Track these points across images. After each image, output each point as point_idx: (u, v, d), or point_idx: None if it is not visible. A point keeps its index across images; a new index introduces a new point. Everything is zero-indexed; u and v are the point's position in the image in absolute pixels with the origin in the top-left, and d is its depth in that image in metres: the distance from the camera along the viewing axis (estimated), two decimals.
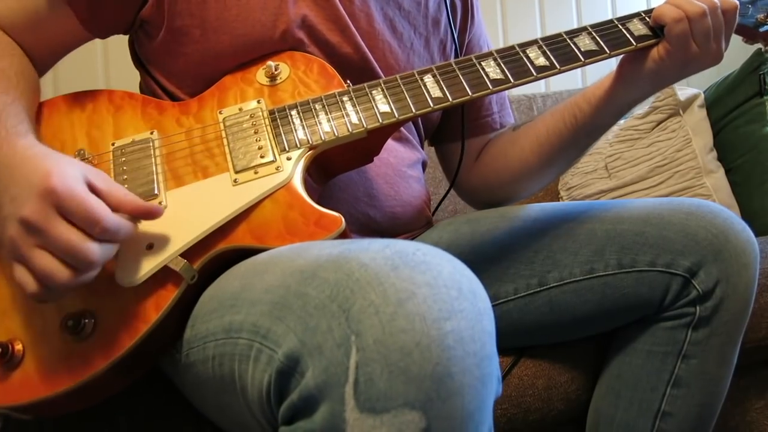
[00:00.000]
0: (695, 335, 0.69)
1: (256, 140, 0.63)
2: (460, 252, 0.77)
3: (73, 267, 0.50)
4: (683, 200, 0.72)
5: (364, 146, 0.66)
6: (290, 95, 0.67)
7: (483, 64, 0.66)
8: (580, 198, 1.47)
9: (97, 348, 0.55)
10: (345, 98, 0.65)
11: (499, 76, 0.66)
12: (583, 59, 0.66)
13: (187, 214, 0.59)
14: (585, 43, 0.67)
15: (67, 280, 0.50)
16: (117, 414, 0.67)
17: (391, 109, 0.64)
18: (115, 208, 0.53)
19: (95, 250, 0.50)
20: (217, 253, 0.58)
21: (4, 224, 0.52)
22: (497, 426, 0.74)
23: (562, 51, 0.67)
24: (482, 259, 0.77)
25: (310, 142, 0.62)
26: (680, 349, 0.69)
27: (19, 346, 0.56)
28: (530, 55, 0.67)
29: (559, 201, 1.53)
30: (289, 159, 0.61)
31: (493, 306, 0.74)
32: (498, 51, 0.68)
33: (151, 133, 0.65)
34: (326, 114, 0.64)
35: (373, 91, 0.65)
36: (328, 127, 0.63)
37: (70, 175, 0.51)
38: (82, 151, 0.64)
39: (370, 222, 0.75)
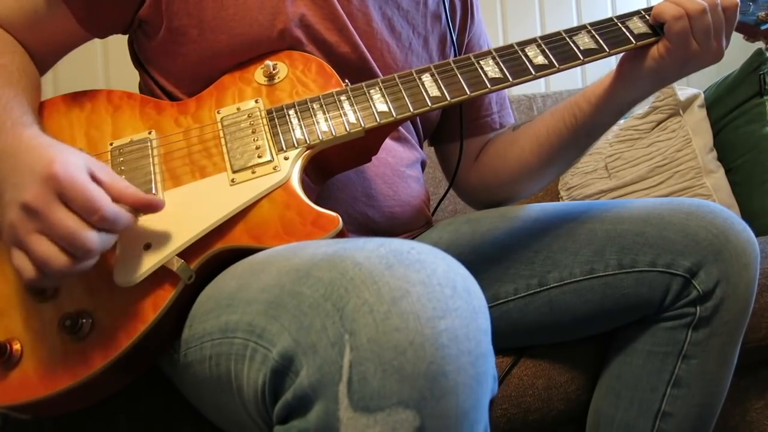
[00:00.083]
0: (695, 335, 0.69)
1: (254, 140, 0.63)
2: (460, 252, 0.76)
3: (71, 254, 0.50)
4: (683, 200, 0.72)
5: (362, 146, 0.66)
6: (288, 95, 0.67)
7: (482, 63, 0.66)
8: (580, 198, 1.47)
9: (95, 347, 0.55)
10: (343, 98, 0.65)
11: (498, 75, 0.65)
12: (582, 58, 0.66)
13: (185, 214, 0.58)
14: (584, 41, 0.67)
15: (65, 266, 0.50)
16: (116, 414, 0.67)
17: (389, 109, 0.64)
18: (116, 199, 0.53)
19: (93, 238, 0.50)
20: (215, 253, 0.58)
21: (4, 210, 0.52)
22: (497, 426, 0.74)
23: (561, 50, 0.67)
24: (482, 259, 0.76)
25: (308, 141, 0.62)
26: (680, 349, 0.69)
27: (17, 346, 0.56)
28: (529, 53, 0.67)
29: (559, 201, 1.53)
30: (286, 159, 0.61)
31: (493, 306, 0.74)
32: (497, 50, 0.67)
33: (149, 133, 0.65)
34: (324, 113, 0.64)
35: (371, 91, 0.65)
36: (325, 126, 0.63)
37: (73, 163, 0.52)
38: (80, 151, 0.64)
39: (369, 222, 0.75)
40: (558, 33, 0.68)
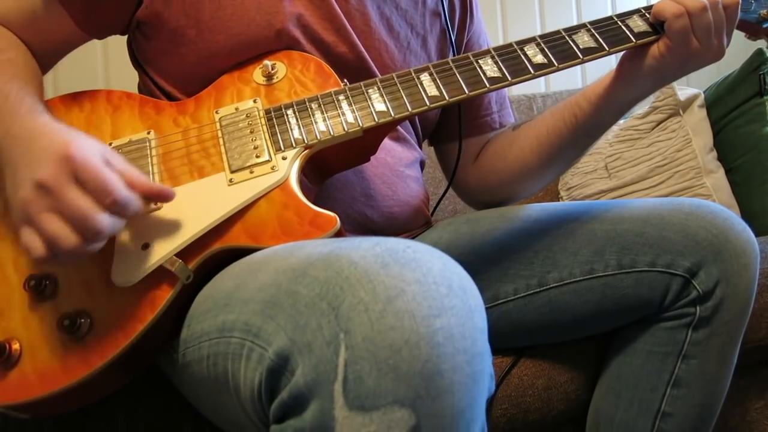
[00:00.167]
0: (695, 335, 0.69)
1: (252, 140, 0.63)
2: (460, 252, 0.76)
3: (81, 234, 0.51)
4: (683, 200, 0.72)
5: (360, 146, 0.66)
6: (287, 94, 0.67)
7: (480, 62, 0.66)
8: (580, 198, 1.47)
9: (94, 347, 0.55)
10: (341, 97, 0.65)
11: (497, 74, 0.65)
12: (581, 57, 0.66)
13: (183, 214, 0.58)
14: (584, 40, 0.67)
15: (74, 246, 0.51)
16: (116, 413, 0.67)
17: (388, 108, 0.64)
18: (128, 186, 0.53)
19: (105, 220, 0.51)
20: (213, 253, 0.58)
21: (16, 188, 0.53)
22: (497, 426, 0.74)
23: (560, 48, 0.67)
24: (482, 259, 0.76)
25: (306, 141, 0.62)
26: (680, 349, 0.69)
27: (16, 346, 0.56)
28: (528, 52, 0.66)
29: (559, 201, 1.53)
30: (284, 158, 0.61)
31: (492, 306, 0.74)
32: (496, 49, 0.67)
33: (148, 133, 0.65)
34: (322, 113, 0.64)
35: (369, 90, 0.65)
36: (323, 126, 0.63)
37: (89, 147, 0.53)
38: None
39: (368, 222, 0.74)
40: (557, 32, 0.68)
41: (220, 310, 0.51)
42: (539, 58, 0.66)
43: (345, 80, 0.68)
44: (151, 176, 0.61)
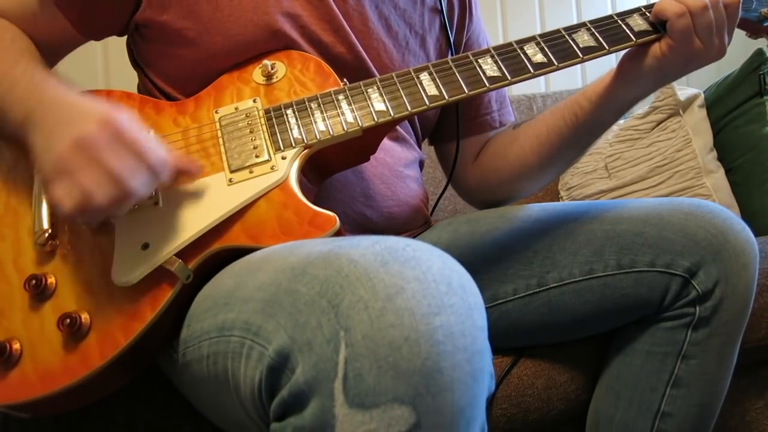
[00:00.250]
0: (695, 335, 0.69)
1: (252, 139, 0.63)
2: (460, 252, 0.76)
3: (114, 191, 0.52)
4: (682, 200, 0.72)
5: (360, 145, 0.66)
6: (286, 94, 0.67)
7: (480, 61, 0.66)
8: (580, 198, 1.47)
9: (94, 347, 0.55)
10: (341, 97, 0.65)
11: (496, 73, 0.65)
12: (581, 56, 0.66)
13: (183, 213, 0.59)
14: (584, 39, 0.67)
15: (106, 202, 0.52)
16: (116, 413, 0.67)
17: (387, 108, 0.64)
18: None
19: (139, 180, 0.54)
20: (212, 253, 0.58)
21: (53, 143, 0.54)
22: (497, 426, 0.74)
23: (560, 47, 0.66)
24: (481, 259, 0.76)
25: (305, 141, 0.62)
26: (680, 349, 0.69)
27: (16, 345, 0.56)
28: (528, 51, 0.66)
29: (559, 201, 1.53)
30: (284, 158, 0.61)
31: (492, 306, 0.74)
32: (495, 48, 0.67)
33: (148, 133, 0.65)
34: (322, 113, 0.64)
35: (369, 90, 0.65)
36: (323, 126, 0.63)
37: (127, 116, 0.56)
38: None
39: (367, 222, 0.74)
40: (557, 31, 0.68)
41: (219, 309, 0.51)
42: (539, 58, 0.66)
43: (344, 80, 0.68)
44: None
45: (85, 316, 0.56)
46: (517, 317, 0.74)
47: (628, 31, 0.67)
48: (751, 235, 0.70)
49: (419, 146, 0.87)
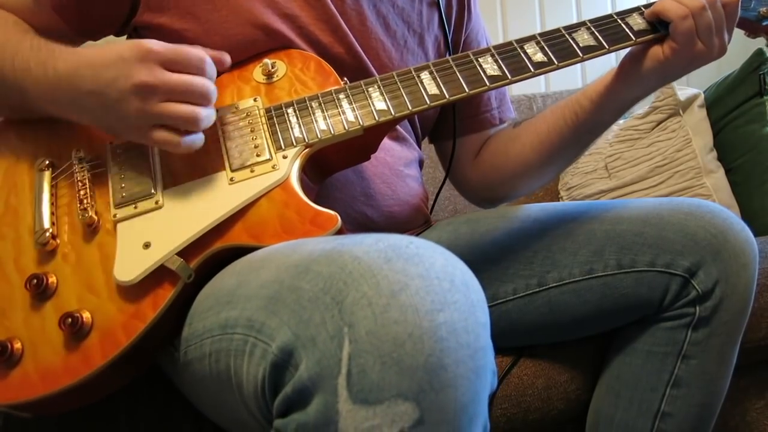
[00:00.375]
0: (695, 335, 0.69)
1: (253, 138, 0.63)
2: (460, 252, 0.75)
3: (201, 102, 0.57)
4: (682, 200, 0.72)
5: (360, 144, 0.66)
6: (287, 93, 0.67)
7: (480, 60, 0.66)
8: (580, 198, 1.47)
9: (95, 346, 0.55)
10: (341, 96, 0.65)
11: (497, 72, 0.65)
12: (581, 55, 0.66)
13: (184, 213, 0.59)
14: (584, 38, 0.67)
15: (203, 115, 0.57)
16: (117, 413, 0.67)
17: (388, 107, 0.64)
18: None
19: (205, 81, 0.58)
20: (214, 252, 0.58)
21: (120, 106, 0.56)
22: (497, 425, 0.74)
23: (560, 47, 0.66)
24: (481, 259, 0.76)
25: (306, 140, 0.62)
26: (680, 349, 0.69)
27: (17, 345, 0.56)
28: (528, 51, 0.66)
29: (559, 201, 1.53)
30: (285, 157, 0.61)
31: (492, 306, 0.74)
32: (495, 47, 0.67)
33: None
34: (322, 112, 0.64)
35: (370, 89, 0.65)
36: (324, 125, 0.63)
37: (153, 39, 0.57)
38: (79, 151, 0.64)
39: (368, 221, 0.74)
40: (557, 30, 0.68)
41: (222, 308, 0.51)
42: (539, 57, 0.66)
43: (345, 79, 0.68)
44: (152, 174, 0.61)
45: (86, 316, 0.56)
46: (517, 317, 0.74)
47: (627, 31, 0.67)
48: (751, 235, 0.70)
49: (419, 145, 0.87)
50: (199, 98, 0.57)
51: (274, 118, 0.64)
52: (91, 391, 0.58)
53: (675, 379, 0.70)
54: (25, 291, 0.58)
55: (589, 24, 0.68)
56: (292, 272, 0.45)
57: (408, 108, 0.64)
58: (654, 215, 0.70)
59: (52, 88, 0.59)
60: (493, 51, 0.67)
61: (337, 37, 0.73)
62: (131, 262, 0.56)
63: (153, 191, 0.60)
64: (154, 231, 0.58)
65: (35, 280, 0.57)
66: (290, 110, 0.64)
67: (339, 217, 0.57)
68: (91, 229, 0.60)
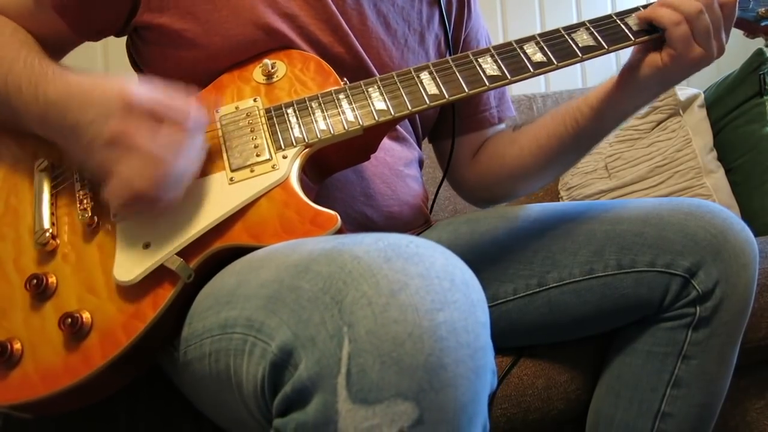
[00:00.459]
0: (695, 336, 0.69)
1: (253, 138, 0.63)
2: (460, 252, 0.75)
3: (152, 173, 0.53)
4: (682, 200, 0.72)
5: (360, 144, 0.66)
6: (287, 93, 0.67)
7: (480, 60, 0.66)
8: (580, 198, 1.47)
9: (95, 347, 0.55)
10: (341, 96, 0.65)
11: (496, 72, 0.65)
12: (581, 55, 0.66)
13: (184, 213, 0.59)
14: (583, 38, 0.67)
15: (147, 186, 0.53)
16: (117, 413, 0.67)
17: (387, 107, 0.64)
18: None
19: (178, 150, 0.54)
20: (214, 252, 0.58)
21: (90, 147, 0.55)
22: (497, 425, 0.74)
23: (559, 47, 0.66)
24: (481, 259, 0.76)
25: (306, 140, 0.62)
26: (680, 349, 0.69)
27: (17, 345, 0.56)
28: (527, 51, 0.66)
29: (559, 201, 1.53)
30: (285, 157, 0.61)
31: (492, 306, 0.74)
32: (495, 47, 0.67)
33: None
34: (322, 112, 0.64)
35: (370, 89, 0.65)
36: (324, 125, 0.63)
37: (139, 87, 0.56)
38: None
39: (368, 221, 0.75)
40: (556, 30, 0.68)
41: (222, 307, 0.51)
42: (538, 57, 0.66)
43: (344, 79, 0.68)
44: None
45: (86, 316, 0.56)
46: (517, 317, 0.74)
47: (627, 31, 0.67)
48: (751, 235, 0.70)
49: (419, 145, 0.87)
50: (155, 170, 0.53)
51: (274, 119, 0.64)
52: (92, 392, 0.58)
53: (675, 379, 0.69)
54: (25, 291, 0.58)
55: (588, 24, 0.68)
56: (292, 272, 0.45)
57: (408, 108, 0.64)
58: (654, 215, 0.70)
59: (42, 113, 0.59)
60: (492, 51, 0.67)
61: (337, 36, 0.73)
62: (131, 262, 0.56)
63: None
64: (154, 231, 0.57)
65: (35, 281, 0.57)
66: (290, 110, 0.64)
67: (339, 217, 0.57)
68: (91, 230, 0.60)
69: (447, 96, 0.64)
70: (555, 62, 0.66)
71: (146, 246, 0.57)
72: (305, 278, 0.43)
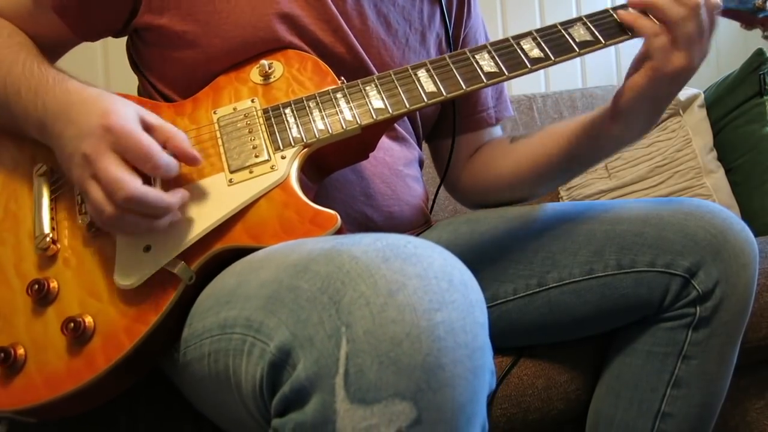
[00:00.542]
0: (695, 336, 0.68)
1: (251, 139, 0.63)
2: (459, 252, 0.75)
3: (113, 201, 0.53)
4: (682, 200, 0.72)
5: (358, 142, 0.65)
6: (284, 93, 0.67)
7: (477, 57, 0.66)
8: (580, 198, 1.47)
9: (98, 350, 0.55)
10: (338, 95, 0.65)
11: (494, 69, 0.65)
12: (577, 50, 0.66)
13: (184, 215, 0.59)
14: (580, 33, 0.67)
15: (109, 214, 0.54)
16: (117, 414, 0.67)
17: (385, 105, 0.64)
18: (164, 142, 0.57)
19: (132, 185, 0.53)
20: (215, 254, 0.58)
21: (70, 161, 0.56)
22: (497, 425, 0.74)
23: (556, 42, 0.66)
24: (481, 259, 0.76)
25: (305, 140, 0.62)
26: (680, 349, 0.69)
27: (20, 351, 0.56)
28: (524, 47, 0.66)
29: (559, 201, 1.53)
30: (283, 158, 0.61)
31: (492, 306, 0.74)
32: (492, 44, 0.67)
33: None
34: (320, 111, 0.64)
35: (367, 87, 0.65)
36: (322, 124, 0.63)
37: (126, 114, 0.56)
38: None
39: (368, 221, 0.74)
40: (553, 25, 0.68)
41: (221, 308, 0.51)
42: (535, 53, 0.66)
43: (342, 78, 0.68)
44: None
45: (88, 320, 0.56)
46: (517, 317, 0.74)
47: (623, 25, 0.67)
48: (751, 235, 0.70)
49: (419, 145, 0.87)
50: (114, 197, 0.53)
51: (272, 119, 0.64)
52: (95, 396, 0.58)
53: (675, 379, 0.69)
54: (26, 296, 0.58)
55: (585, 19, 0.68)
56: (291, 272, 0.45)
57: (405, 106, 0.63)
58: (654, 215, 0.70)
59: (40, 119, 0.59)
60: (489, 47, 0.67)
61: (337, 37, 0.73)
62: (132, 266, 0.56)
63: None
64: (155, 234, 0.57)
65: (36, 286, 0.57)
66: (288, 110, 0.64)
67: (339, 217, 0.57)
68: (91, 234, 0.60)
69: (445, 93, 0.64)
70: (552, 57, 0.65)
71: (147, 249, 0.57)
72: (304, 278, 0.43)
